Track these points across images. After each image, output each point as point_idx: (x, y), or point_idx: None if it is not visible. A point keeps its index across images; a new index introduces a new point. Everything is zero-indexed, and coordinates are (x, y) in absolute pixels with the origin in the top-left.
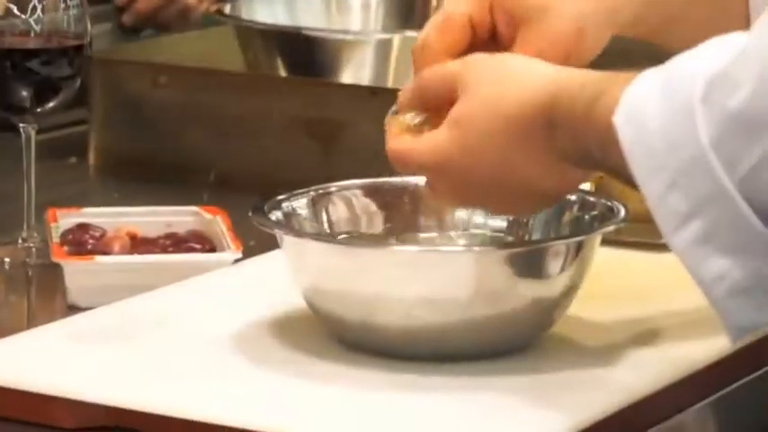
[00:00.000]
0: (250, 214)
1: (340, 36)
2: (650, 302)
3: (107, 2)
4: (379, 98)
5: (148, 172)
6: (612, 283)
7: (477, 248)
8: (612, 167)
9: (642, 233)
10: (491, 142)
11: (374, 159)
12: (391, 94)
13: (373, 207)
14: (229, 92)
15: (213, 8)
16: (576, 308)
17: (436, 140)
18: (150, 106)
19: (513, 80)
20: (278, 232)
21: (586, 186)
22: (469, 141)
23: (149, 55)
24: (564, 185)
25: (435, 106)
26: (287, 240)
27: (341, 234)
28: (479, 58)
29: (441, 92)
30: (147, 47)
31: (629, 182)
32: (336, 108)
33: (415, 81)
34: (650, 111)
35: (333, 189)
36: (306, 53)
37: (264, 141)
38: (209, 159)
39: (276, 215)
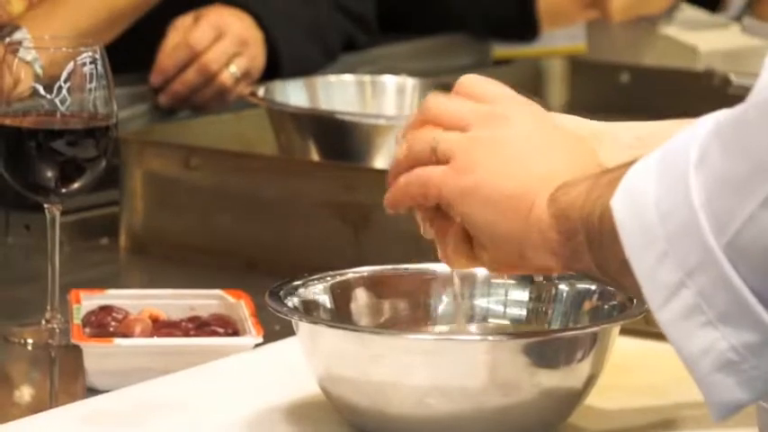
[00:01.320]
0: (266, 299)
1: (373, 120)
2: (669, 394)
3: (143, 83)
4: None
5: (179, 254)
6: (633, 374)
7: (491, 337)
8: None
9: None
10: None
11: (403, 244)
12: None
13: (391, 294)
14: (260, 175)
15: (248, 90)
16: (594, 398)
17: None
18: (182, 188)
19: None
20: (293, 318)
21: None
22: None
23: (182, 136)
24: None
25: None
26: (302, 326)
27: (357, 320)
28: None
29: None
30: (180, 128)
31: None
32: (367, 192)
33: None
34: (646, 186)
35: (350, 275)
36: (339, 137)
37: (294, 225)
38: (239, 242)
39: (293, 300)
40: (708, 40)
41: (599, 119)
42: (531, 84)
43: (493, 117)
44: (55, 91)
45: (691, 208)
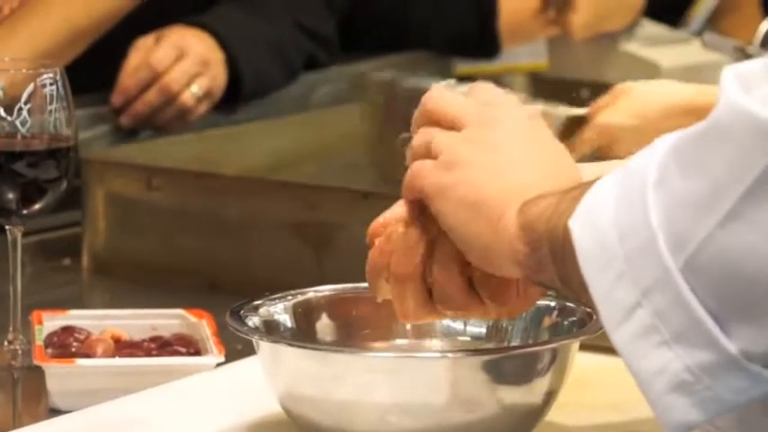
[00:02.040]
0: (227, 319)
1: None
2: (629, 410)
3: (105, 104)
4: (371, 201)
5: (141, 274)
6: (594, 390)
7: (451, 354)
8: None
9: None
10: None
11: (365, 263)
12: (384, 198)
13: (352, 312)
14: (221, 195)
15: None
16: (555, 414)
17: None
18: (143, 208)
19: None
20: (253, 337)
21: None
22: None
23: (144, 157)
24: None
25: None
26: (262, 346)
27: (318, 339)
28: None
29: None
30: (142, 149)
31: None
32: (328, 212)
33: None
34: (605, 205)
35: (311, 294)
36: None
37: (256, 244)
38: (202, 262)
39: (254, 320)
40: (669, 56)
41: None
42: None
43: (486, 119)
44: (15, 112)
45: (649, 228)
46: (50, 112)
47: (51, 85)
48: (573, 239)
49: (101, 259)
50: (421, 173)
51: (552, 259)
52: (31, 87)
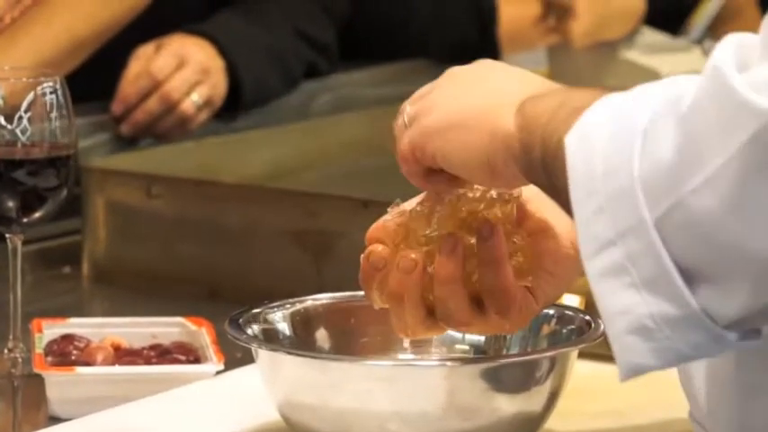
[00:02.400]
0: (226, 327)
1: None
2: (628, 418)
3: (105, 112)
4: (371, 210)
5: (141, 282)
6: (593, 398)
7: (450, 363)
8: (551, 183)
9: None
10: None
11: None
12: (384, 206)
13: (351, 321)
14: (220, 203)
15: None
16: (555, 422)
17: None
18: (143, 216)
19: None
20: (252, 346)
21: (575, 302)
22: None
23: (144, 165)
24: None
25: None
26: (261, 354)
27: (317, 347)
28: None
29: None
30: (141, 157)
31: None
32: (328, 219)
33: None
34: (600, 133)
35: (310, 302)
36: None
37: (256, 252)
38: (202, 270)
39: (253, 328)
40: (669, 64)
41: None
42: None
43: (447, 75)
44: (15, 121)
45: (630, 175)
46: (50, 120)
47: (51, 93)
48: (566, 157)
49: (101, 267)
50: (404, 134)
51: (542, 166)
52: (31, 96)
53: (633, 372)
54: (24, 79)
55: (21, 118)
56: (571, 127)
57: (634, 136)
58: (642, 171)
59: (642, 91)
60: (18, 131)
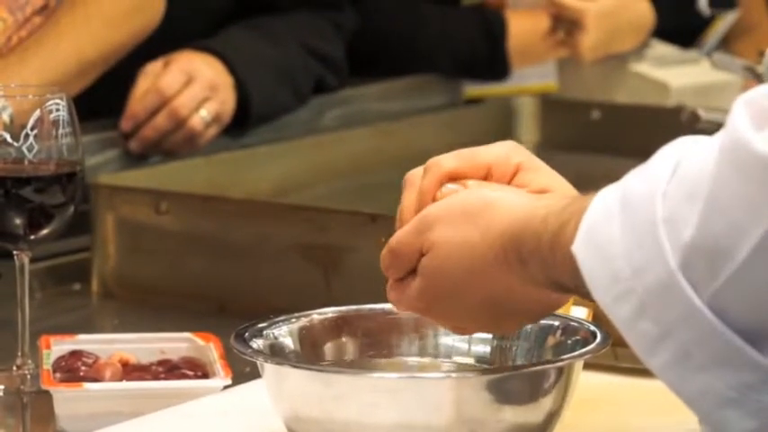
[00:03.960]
0: (231, 342)
1: None
2: (633, 429)
3: (114, 129)
4: (379, 224)
5: (150, 298)
6: (597, 409)
7: (455, 375)
8: (584, 294)
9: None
10: (468, 287)
11: (375, 285)
12: (392, 221)
13: (356, 334)
14: (229, 218)
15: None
16: None
17: (414, 289)
18: (152, 233)
19: (476, 224)
20: (257, 360)
21: (583, 314)
22: (445, 288)
23: (153, 182)
24: (545, 307)
25: (411, 269)
26: (267, 368)
27: (323, 361)
28: (438, 209)
29: (411, 254)
30: (150, 174)
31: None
32: (336, 234)
33: (387, 247)
34: (611, 235)
35: (315, 316)
36: None
37: (265, 267)
38: (211, 286)
39: (258, 342)
40: (678, 76)
41: (571, 156)
42: (502, 122)
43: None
44: (22, 138)
45: (667, 268)
46: (57, 137)
47: (57, 110)
48: (580, 267)
49: (110, 284)
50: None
51: (543, 269)
52: (37, 113)
53: None
54: (30, 97)
55: (27, 135)
56: (572, 234)
57: (655, 226)
58: (680, 260)
59: (635, 177)
60: (24, 149)
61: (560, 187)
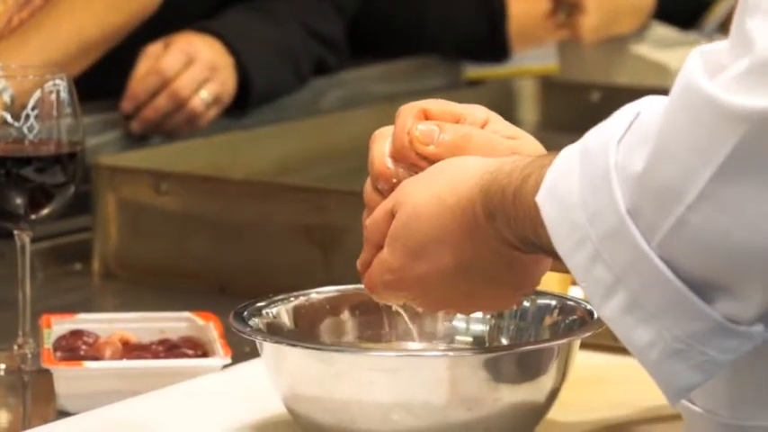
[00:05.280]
0: (230, 320)
1: None
2: (630, 408)
3: (115, 110)
4: None
5: (151, 278)
6: (595, 388)
7: (452, 353)
8: (546, 248)
9: None
10: (436, 245)
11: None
12: None
13: (354, 313)
14: (229, 199)
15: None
16: (557, 413)
17: (382, 259)
18: (153, 213)
19: (446, 180)
20: (256, 338)
21: (580, 294)
22: (415, 252)
23: (154, 162)
24: (523, 276)
25: (382, 240)
26: (265, 346)
27: (321, 339)
28: (412, 178)
29: (382, 224)
30: (151, 154)
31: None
32: (336, 214)
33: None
34: (570, 185)
35: (314, 295)
36: None
37: (264, 247)
38: (211, 266)
39: (256, 321)
40: (679, 58)
41: (571, 137)
42: (503, 104)
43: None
44: (22, 119)
45: (618, 213)
46: (57, 117)
47: (58, 91)
48: (543, 216)
49: (111, 264)
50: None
51: (507, 223)
52: (37, 94)
53: (682, 393)
54: (31, 77)
55: (28, 116)
56: (534, 187)
57: (607, 172)
58: (628, 205)
59: (596, 130)
60: (25, 129)
61: (527, 138)
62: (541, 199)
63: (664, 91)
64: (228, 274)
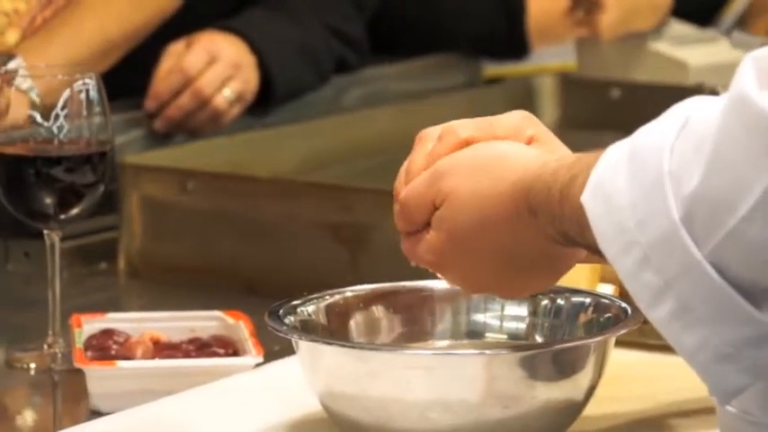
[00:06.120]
0: (266, 319)
1: None
2: (661, 403)
3: (138, 109)
4: None
5: (177, 277)
6: (626, 383)
7: (489, 351)
8: (592, 246)
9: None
10: (479, 236)
11: (401, 263)
12: None
13: (389, 311)
14: (255, 197)
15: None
16: (593, 408)
17: (427, 242)
18: (179, 212)
19: (488, 175)
20: (292, 337)
21: (609, 290)
22: (458, 240)
23: (178, 161)
24: (555, 264)
25: (423, 222)
26: (301, 345)
27: (355, 338)
28: (450, 160)
29: (423, 207)
30: (176, 153)
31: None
32: (363, 212)
33: (398, 204)
34: (618, 186)
35: (348, 294)
36: None
37: (291, 246)
38: (237, 264)
39: (291, 320)
40: (697, 55)
41: (590, 134)
42: (522, 101)
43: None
44: (52, 119)
45: (670, 220)
46: (87, 117)
47: (87, 90)
48: (589, 217)
49: (137, 263)
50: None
51: (551, 221)
52: (67, 93)
53: (731, 396)
54: (60, 77)
55: (57, 116)
56: (581, 187)
57: (660, 178)
58: (681, 214)
59: (645, 132)
60: (55, 129)
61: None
62: (587, 199)
63: (683, 88)
64: (255, 272)
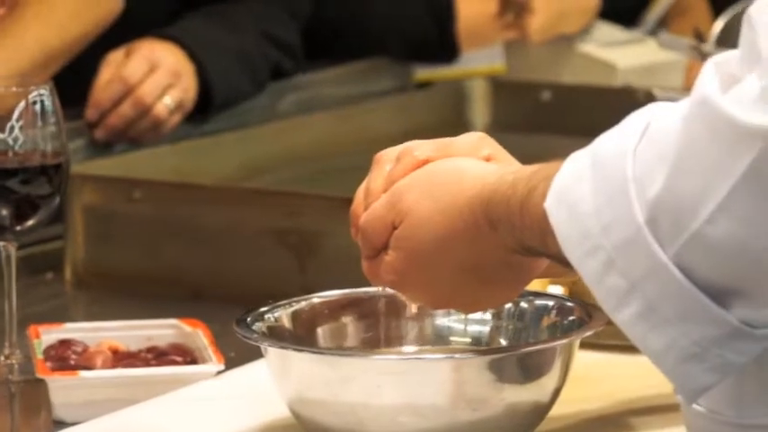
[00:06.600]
0: (234, 327)
1: None
2: (627, 402)
3: (79, 118)
4: None
5: (124, 286)
6: (591, 384)
7: (457, 355)
8: (554, 255)
9: (621, 336)
10: (440, 253)
11: (349, 269)
12: None
13: (354, 317)
14: (202, 205)
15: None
16: (559, 409)
17: (387, 263)
18: (125, 220)
19: (445, 190)
20: (262, 344)
21: (559, 290)
22: (417, 257)
23: (120, 170)
24: (518, 275)
25: (383, 244)
26: (271, 351)
27: (323, 344)
28: (408, 180)
29: (382, 229)
30: (119, 162)
31: (570, 266)
32: (309, 218)
33: (356, 229)
34: (582, 193)
35: (315, 300)
36: None
37: (238, 252)
38: (185, 272)
39: (259, 327)
40: (625, 57)
41: (522, 137)
42: (453, 105)
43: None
44: (7, 130)
45: (635, 223)
46: (42, 128)
47: (42, 101)
48: (552, 223)
49: (83, 272)
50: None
51: (511, 232)
52: (22, 104)
53: (698, 394)
54: (14, 88)
55: (12, 127)
56: (542, 197)
57: (624, 183)
58: (646, 217)
59: (606, 139)
60: (10, 140)
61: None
62: (551, 206)
63: (612, 89)
64: (202, 279)
